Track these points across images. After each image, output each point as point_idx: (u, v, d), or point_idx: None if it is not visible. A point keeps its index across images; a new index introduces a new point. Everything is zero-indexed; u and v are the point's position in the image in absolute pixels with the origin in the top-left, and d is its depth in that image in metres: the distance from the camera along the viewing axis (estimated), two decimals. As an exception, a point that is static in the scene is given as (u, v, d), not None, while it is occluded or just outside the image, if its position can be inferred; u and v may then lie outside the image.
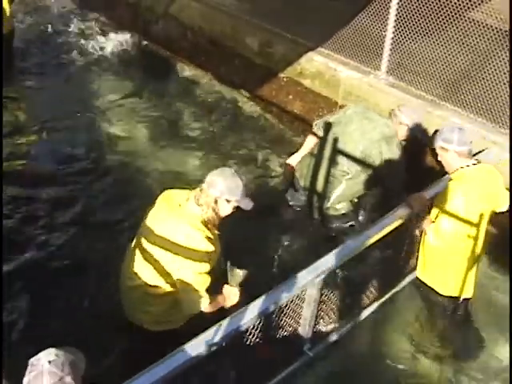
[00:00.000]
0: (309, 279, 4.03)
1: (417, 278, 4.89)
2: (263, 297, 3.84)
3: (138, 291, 4.04)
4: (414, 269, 5.18)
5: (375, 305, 5.06)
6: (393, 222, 4.51)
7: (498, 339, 4.93)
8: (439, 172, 4.89)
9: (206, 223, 3.95)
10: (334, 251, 4.19)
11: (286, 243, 5.64)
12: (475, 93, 5.83)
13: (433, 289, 4.73)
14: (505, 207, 4.57)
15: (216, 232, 4.05)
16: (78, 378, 2.60)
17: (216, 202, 3.92)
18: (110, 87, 8.17)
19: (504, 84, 5.64)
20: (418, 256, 4.90)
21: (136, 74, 8.50)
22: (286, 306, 4.19)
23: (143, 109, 7.71)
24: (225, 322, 3.63)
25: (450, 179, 4.46)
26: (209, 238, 3.90)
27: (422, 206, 4.62)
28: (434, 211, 4.48)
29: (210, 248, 3.89)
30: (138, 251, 4.06)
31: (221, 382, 4.16)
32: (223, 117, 7.58)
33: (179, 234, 3.87)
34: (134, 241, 4.17)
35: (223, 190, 3.89)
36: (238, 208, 4.05)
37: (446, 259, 4.52)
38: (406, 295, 5.24)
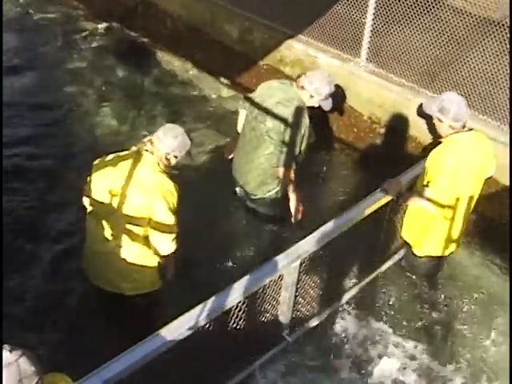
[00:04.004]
0: (286, 263, 4.01)
1: (400, 237, 4.99)
2: (240, 282, 3.82)
3: (122, 262, 4.09)
4: (394, 252, 5.25)
5: (355, 289, 5.07)
6: (369, 206, 4.50)
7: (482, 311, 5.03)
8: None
9: (163, 169, 4.13)
10: (311, 235, 4.18)
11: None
12: (454, 80, 5.82)
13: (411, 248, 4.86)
14: (491, 173, 4.63)
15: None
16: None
17: (166, 157, 4.14)
18: (87, 75, 8.07)
19: (482, 71, 5.65)
20: (399, 233, 5.02)
21: (114, 61, 8.40)
22: (264, 291, 4.18)
23: (117, 95, 7.64)
24: (198, 307, 3.61)
25: (442, 143, 4.47)
26: (171, 178, 4.12)
27: (398, 190, 4.62)
28: (425, 176, 4.51)
29: (175, 184, 4.11)
30: (104, 225, 4.10)
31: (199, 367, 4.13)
32: (202, 105, 7.52)
33: (147, 181, 4.01)
34: (92, 216, 4.19)
35: (174, 147, 4.14)
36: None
37: (430, 221, 4.57)
38: (387, 279, 5.27)
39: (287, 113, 5.06)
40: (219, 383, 4.22)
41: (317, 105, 5.25)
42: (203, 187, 5.91)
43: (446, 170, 4.32)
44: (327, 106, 5.29)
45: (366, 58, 6.42)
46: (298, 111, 5.08)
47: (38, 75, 8.02)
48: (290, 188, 5.19)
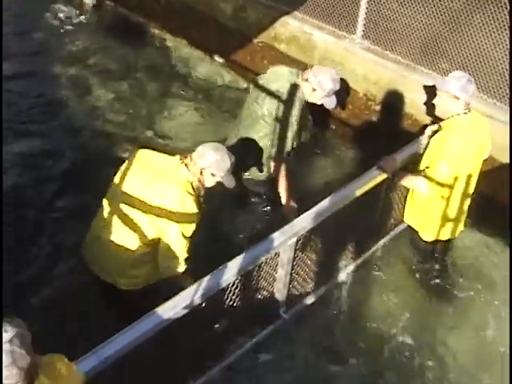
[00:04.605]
0: (282, 241, 4.02)
1: (403, 221, 5.01)
2: (237, 258, 3.83)
3: (121, 256, 4.03)
4: (390, 230, 5.28)
5: (352, 266, 5.08)
6: (365, 184, 4.51)
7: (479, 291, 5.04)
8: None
9: (194, 189, 4.01)
10: (307, 212, 4.18)
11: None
12: (450, 56, 5.79)
13: (417, 233, 4.86)
14: (487, 155, 4.63)
15: (201, 197, 4.10)
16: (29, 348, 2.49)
17: (201, 172, 4.01)
18: (80, 54, 8.00)
19: (476, 46, 5.61)
20: (396, 212, 5.08)
21: (107, 39, 8.33)
22: (261, 268, 4.18)
23: (112, 74, 7.57)
24: (195, 285, 3.64)
25: (444, 128, 4.46)
26: (197, 203, 3.99)
27: (394, 168, 4.62)
28: (425, 160, 4.51)
29: (198, 212, 3.98)
30: (115, 214, 4.04)
31: (197, 345, 4.15)
32: (196, 82, 7.48)
33: (170, 197, 3.91)
34: (108, 202, 4.13)
35: (211, 162, 3.98)
36: (220, 184, 4.14)
37: (434, 205, 4.58)
38: (383, 255, 5.29)
39: (283, 103, 5.01)
40: (215, 361, 4.23)
41: (319, 102, 5.16)
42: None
43: (447, 157, 4.33)
44: (330, 103, 5.20)
45: (362, 35, 6.38)
46: (295, 104, 5.03)
47: (31, 57, 7.92)
48: (281, 186, 5.15)
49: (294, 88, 5.05)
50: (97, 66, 7.75)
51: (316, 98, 5.13)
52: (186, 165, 4.00)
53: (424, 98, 5.55)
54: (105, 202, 4.15)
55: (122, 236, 4.00)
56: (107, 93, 7.20)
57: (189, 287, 3.85)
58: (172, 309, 3.46)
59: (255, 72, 7.23)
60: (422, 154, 4.62)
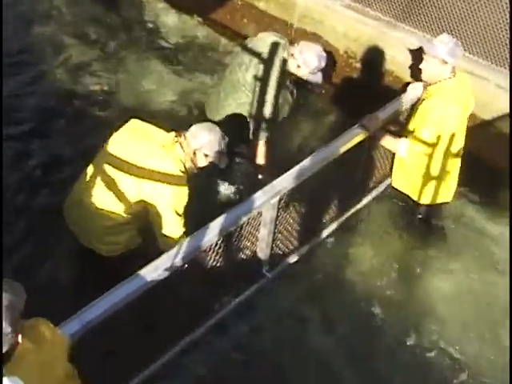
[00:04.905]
0: (265, 200, 4.02)
1: (392, 186, 5.02)
2: (219, 219, 3.83)
3: (101, 222, 4.02)
4: (373, 188, 5.32)
5: (335, 224, 5.10)
6: (348, 142, 4.49)
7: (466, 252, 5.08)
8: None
9: (186, 169, 4.04)
10: (290, 171, 4.17)
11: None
12: (432, 13, 5.73)
13: (407, 196, 4.90)
14: (470, 111, 4.66)
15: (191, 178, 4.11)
16: (16, 318, 2.48)
17: (194, 153, 4.05)
18: (49, 11, 7.70)
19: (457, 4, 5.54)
20: (378, 170, 5.12)
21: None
22: (243, 228, 4.19)
23: (86, 32, 7.35)
24: (184, 243, 3.63)
25: (430, 92, 4.48)
26: (188, 182, 4.02)
27: (377, 125, 4.61)
28: (411, 125, 4.54)
29: (187, 187, 4.01)
30: (101, 179, 4.02)
31: (182, 304, 4.17)
32: (175, 43, 7.34)
33: (163, 173, 3.92)
34: (94, 167, 4.11)
35: (204, 143, 4.03)
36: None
37: (423, 168, 4.61)
38: (367, 213, 5.32)
39: (266, 72, 4.95)
40: (199, 322, 4.27)
41: (305, 77, 5.14)
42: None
43: (431, 124, 4.36)
44: (313, 80, 5.17)
45: (342, -8, 6.30)
46: (278, 74, 4.98)
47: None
48: (259, 159, 5.16)
49: (279, 59, 5.00)
50: (69, 24, 7.50)
51: (301, 74, 5.11)
52: (180, 143, 4.01)
53: (405, 53, 5.53)
54: (90, 167, 4.12)
55: (105, 202, 3.98)
56: (81, 51, 7.03)
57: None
58: (154, 271, 3.45)
59: (235, 31, 7.18)
60: (408, 118, 4.62)
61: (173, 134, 4.08)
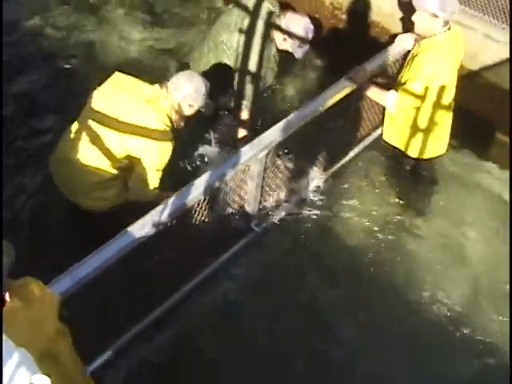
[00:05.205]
0: (252, 154, 3.99)
1: (383, 139, 4.96)
2: (206, 174, 3.81)
3: (87, 178, 3.98)
4: (362, 140, 5.33)
5: (322, 178, 5.10)
6: (335, 94, 4.44)
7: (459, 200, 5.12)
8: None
9: (171, 122, 4.00)
10: (277, 125, 4.14)
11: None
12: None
13: (398, 149, 4.86)
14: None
15: (177, 128, 4.08)
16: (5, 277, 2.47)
17: (179, 104, 3.99)
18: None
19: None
20: (366, 122, 5.11)
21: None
22: (231, 182, 4.19)
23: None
24: (170, 200, 3.61)
25: (422, 46, 4.40)
26: (173, 137, 3.97)
27: (364, 77, 4.57)
28: (402, 79, 4.48)
29: (172, 142, 3.97)
30: (86, 135, 3.97)
31: (167, 260, 4.18)
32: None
33: (147, 127, 3.88)
34: (79, 123, 4.05)
35: (186, 95, 3.98)
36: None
37: (410, 122, 4.59)
38: (355, 166, 5.32)
39: (251, 36, 4.82)
40: (189, 277, 4.29)
41: (291, 50, 5.02)
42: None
43: (421, 78, 4.30)
44: (299, 53, 5.05)
45: None
46: (264, 40, 4.84)
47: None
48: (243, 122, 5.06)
49: (268, 25, 4.86)
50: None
51: (286, 46, 5.00)
52: (163, 96, 3.96)
53: (392, 4, 5.43)
54: (75, 124, 4.07)
55: (91, 158, 3.94)
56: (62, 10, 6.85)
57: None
58: (142, 228, 3.44)
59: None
60: (399, 71, 4.58)
61: (157, 86, 4.02)
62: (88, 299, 3.42)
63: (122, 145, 3.89)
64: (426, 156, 4.78)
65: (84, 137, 3.96)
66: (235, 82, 4.95)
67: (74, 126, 4.06)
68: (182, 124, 4.15)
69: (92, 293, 3.34)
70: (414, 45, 4.58)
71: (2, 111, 5.24)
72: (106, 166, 3.94)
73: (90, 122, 3.96)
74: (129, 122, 3.87)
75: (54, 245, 4.48)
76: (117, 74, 4.13)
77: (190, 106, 4.04)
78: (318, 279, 4.55)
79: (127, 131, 3.87)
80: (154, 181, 4.01)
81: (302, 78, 6.12)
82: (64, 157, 4.06)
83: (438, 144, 4.75)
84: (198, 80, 4.04)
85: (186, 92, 3.98)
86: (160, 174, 4.01)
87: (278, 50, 5.07)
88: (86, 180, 3.99)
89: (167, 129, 3.94)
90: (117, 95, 3.98)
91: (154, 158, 3.91)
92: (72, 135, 4.05)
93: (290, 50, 5.05)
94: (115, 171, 3.97)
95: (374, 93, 4.64)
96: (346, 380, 4.10)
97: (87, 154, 3.95)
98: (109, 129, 3.90)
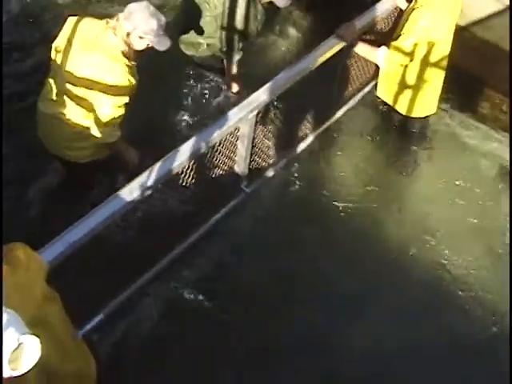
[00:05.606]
0: (241, 116, 3.97)
1: (376, 96, 4.98)
2: (196, 136, 3.79)
3: (65, 129, 3.95)
4: (350, 98, 5.31)
5: (311, 137, 5.08)
6: (325, 53, 4.40)
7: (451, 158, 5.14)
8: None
9: (124, 54, 3.79)
10: (265, 85, 4.10)
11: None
12: None
13: (388, 105, 4.88)
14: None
15: (134, 63, 3.86)
16: None
17: (128, 35, 3.74)
18: None
19: None
20: (355, 80, 5.10)
21: None
22: (221, 144, 4.17)
23: None
24: (158, 164, 3.59)
25: (419, 4, 4.32)
26: (129, 69, 3.78)
27: (353, 34, 4.51)
28: (398, 33, 4.43)
29: (131, 79, 3.79)
30: (57, 89, 3.92)
31: (160, 223, 4.18)
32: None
33: (98, 66, 3.73)
34: (50, 78, 3.98)
35: (137, 24, 3.70)
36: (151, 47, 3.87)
37: (402, 79, 4.59)
38: (344, 124, 5.30)
39: None
40: (182, 238, 4.29)
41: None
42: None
43: (414, 35, 4.26)
44: (281, 2, 4.72)
45: None
46: None
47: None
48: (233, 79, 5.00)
49: None
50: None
51: None
52: (113, 28, 3.75)
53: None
54: (49, 79, 4.00)
55: (66, 110, 3.89)
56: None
57: (134, 157, 4.07)
58: (129, 193, 3.42)
59: None
60: (394, 27, 4.54)
61: (104, 21, 3.81)
62: (80, 265, 3.42)
63: (83, 91, 3.79)
64: (414, 114, 4.77)
65: (57, 90, 3.91)
66: (223, 35, 4.79)
67: (48, 82, 4.00)
68: (135, 61, 3.88)
69: (82, 257, 3.33)
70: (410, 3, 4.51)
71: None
72: (79, 115, 3.87)
73: (57, 76, 3.89)
74: (81, 67, 3.75)
75: (34, 195, 4.50)
76: (69, 20, 3.91)
77: (140, 37, 3.76)
78: (310, 235, 4.58)
79: (82, 76, 3.76)
80: (115, 120, 3.86)
81: (289, 37, 6.04)
82: (43, 111, 4.02)
83: (427, 102, 4.73)
84: (150, 11, 3.74)
85: (137, 21, 3.69)
86: (119, 111, 3.83)
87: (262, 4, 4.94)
88: (66, 131, 3.95)
89: (118, 63, 3.74)
90: (69, 42, 3.82)
91: (111, 95, 3.75)
92: (47, 91, 3.99)
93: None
94: (89, 120, 3.89)
95: (363, 50, 4.59)
96: (344, 323, 4.17)
97: (62, 107, 3.89)
98: (70, 79, 3.80)
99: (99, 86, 3.74)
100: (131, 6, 3.73)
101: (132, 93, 3.85)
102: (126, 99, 3.83)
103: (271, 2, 4.78)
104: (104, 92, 3.74)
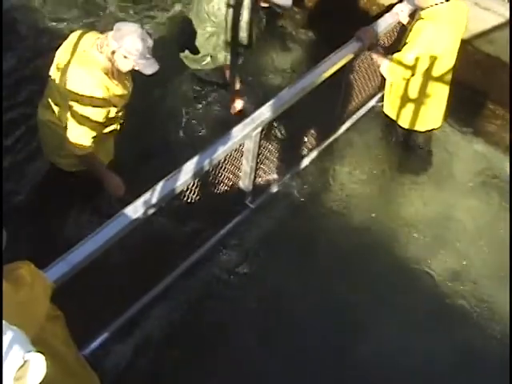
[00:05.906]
0: (245, 133, 3.97)
1: (382, 112, 4.97)
2: (200, 154, 3.79)
3: (55, 137, 3.98)
4: (353, 113, 5.31)
5: (315, 152, 5.08)
6: (328, 68, 4.40)
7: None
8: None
9: (106, 70, 3.76)
10: (269, 102, 4.11)
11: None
12: None
13: (391, 119, 4.87)
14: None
15: (115, 82, 3.83)
16: None
17: (113, 53, 3.72)
18: None
19: None
20: (358, 95, 5.10)
21: None
22: (225, 161, 4.17)
23: None
24: (162, 183, 3.59)
25: (422, 17, 4.31)
26: (106, 87, 3.75)
27: (372, 38, 4.53)
28: (401, 46, 4.42)
29: (105, 95, 3.75)
30: (51, 98, 3.94)
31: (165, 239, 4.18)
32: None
33: (76, 79, 3.71)
34: (47, 87, 4.02)
35: (122, 43, 3.67)
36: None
37: (402, 93, 4.59)
38: (347, 139, 5.29)
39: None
40: (185, 255, 4.29)
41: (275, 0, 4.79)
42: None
43: (418, 47, 4.24)
44: (284, 3, 4.80)
45: None
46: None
47: None
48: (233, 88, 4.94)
49: None
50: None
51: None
52: (99, 45, 3.73)
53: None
54: (48, 88, 4.01)
55: (53, 118, 3.92)
56: None
57: (116, 188, 3.99)
58: (134, 212, 3.43)
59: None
60: (398, 40, 4.54)
61: (94, 35, 3.84)
62: (83, 285, 3.42)
63: (65, 102, 3.78)
64: (418, 128, 4.76)
65: (49, 99, 3.93)
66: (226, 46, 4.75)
67: (46, 90, 4.04)
68: (121, 80, 3.89)
69: (87, 278, 3.33)
70: (414, 16, 4.51)
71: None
72: (64, 124, 3.85)
73: (49, 83, 3.94)
74: (66, 80, 3.75)
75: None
76: (72, 35, 3.95)
77: (124, 57, 3.72)
78: (315, 250, 4.58)
79: (67, 89, 3.75)
80: (89, 133, 3.81)
81: (291, 52, 6.04)
82: (39, 117, 4.10)
83: (431, 116, 4.71)
84: (138, 34, 3.68)
85: (122, 41, 3.64)
86: (95, 125, 3.81)
87: (262, 8, 5.00)
88: (56, 138, 3.97)
89: (94, 78, 3.71)
90: (63, 56, 3.86)
91: (86, 107, 3.73)
92: (44, 97, 4.03)
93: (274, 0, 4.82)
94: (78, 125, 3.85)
95: (376, 57, 4.59)
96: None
97: (52, 114, 3.92)
98: (58, 88, 3.82)
99: (75, 96, 3.72)
100: (120, 25, 3.72)
101: (107, 111, 3.84)
102: (100, 115, 3.80)
103: (270, 7, 4.83)
104: (77, 102, 3.73)
